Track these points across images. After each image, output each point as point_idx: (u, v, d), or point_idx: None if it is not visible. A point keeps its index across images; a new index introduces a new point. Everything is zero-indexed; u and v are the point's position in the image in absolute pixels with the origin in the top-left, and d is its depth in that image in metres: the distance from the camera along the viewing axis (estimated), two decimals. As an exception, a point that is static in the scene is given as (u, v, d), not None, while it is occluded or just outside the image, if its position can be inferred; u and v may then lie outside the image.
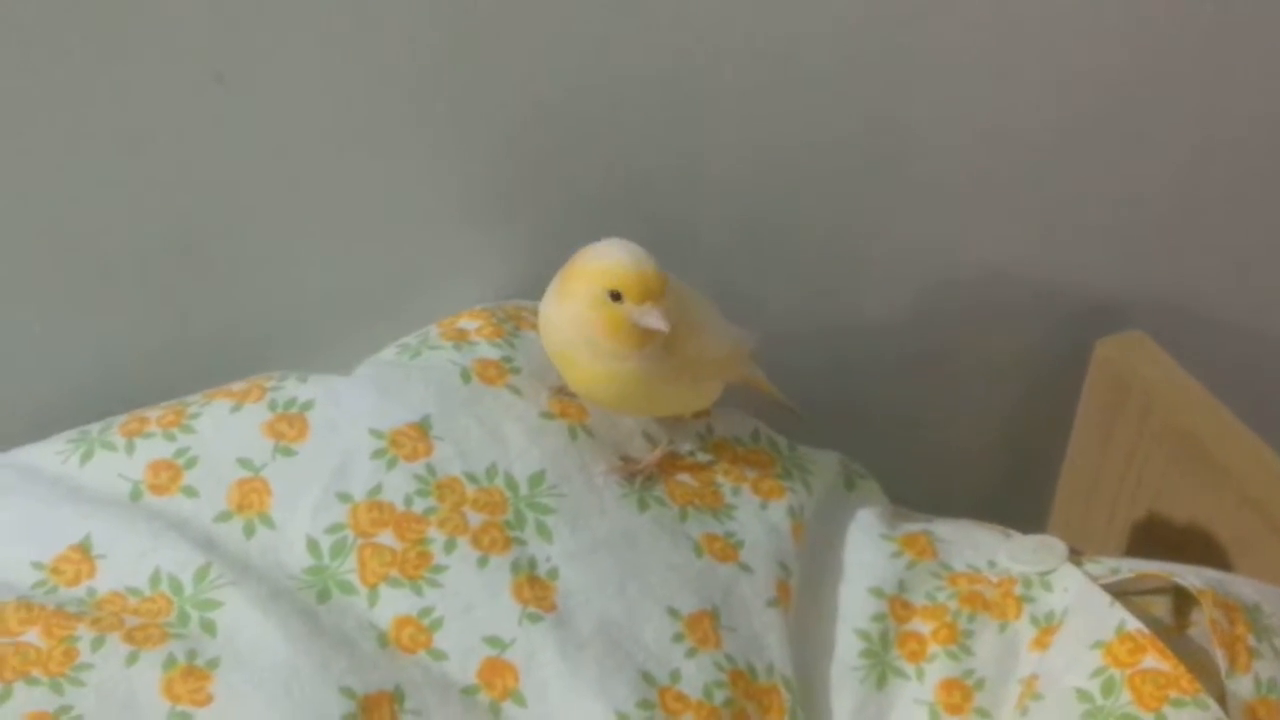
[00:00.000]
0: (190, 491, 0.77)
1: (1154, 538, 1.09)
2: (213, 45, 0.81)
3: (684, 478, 0.84)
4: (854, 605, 0.84)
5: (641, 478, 0.83)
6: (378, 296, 0.92)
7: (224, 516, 0.77)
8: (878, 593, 0.84)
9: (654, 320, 0.74)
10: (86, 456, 0.79)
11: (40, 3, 0.76)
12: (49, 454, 0.79)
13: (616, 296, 0.74)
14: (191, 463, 0.78)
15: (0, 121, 0.79)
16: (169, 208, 0.85)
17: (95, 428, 0.81)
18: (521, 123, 0.90)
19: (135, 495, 0.77)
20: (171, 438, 0.79)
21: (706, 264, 0.92)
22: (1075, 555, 0.86)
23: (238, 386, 0.83)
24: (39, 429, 0.83)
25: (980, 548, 0.88)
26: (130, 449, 0.79)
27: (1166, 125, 1.07)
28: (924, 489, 1.07)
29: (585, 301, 0.75)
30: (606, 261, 0.75)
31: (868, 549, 0.86)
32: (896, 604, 0.84)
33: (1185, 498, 1.05)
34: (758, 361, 0.89)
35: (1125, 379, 1.10)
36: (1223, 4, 1.02)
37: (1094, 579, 0.83)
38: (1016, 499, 1.22)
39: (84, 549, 0.75)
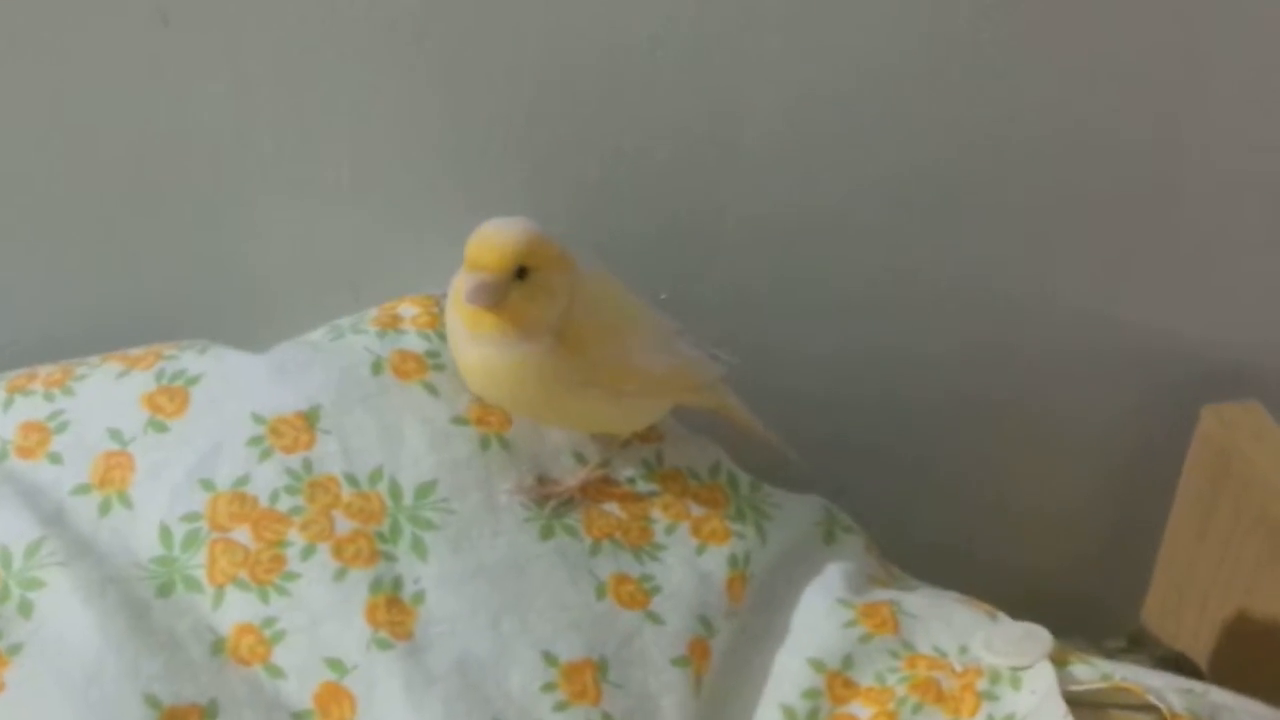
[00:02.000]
0: (55, 458, 0.72)
1: (1242, 636, 0.96)
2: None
3: (611, 507, 0.75)
4: (786, 676, 0.73)
5: (554, 503, 0.73)
6: (341, 267, 0.86)
7: (82, 489, 0.71)
8: (818, 665, 0.73)
9: (468, 288, 0.66)
10: (-33, 410, 0.74)
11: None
12: None
13: (465, 263, 0.68)
14: (63, 427, 0.73)
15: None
16: (115, 157, 0.81)
17: (-13, 380, 0.76)
18: (506, 96, 0.82)
19: (1, 455, 0.72)
20: (50, 398, 0.74)
21: (733, 265, 0.84)
22: (1062, 652, 0.73)
23: (136, 351, 0.77)
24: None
25: (954, 628, 0.76)
26: (7, 405, 0.74)
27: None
28: (989, 555, 0.97)
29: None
30: (480, 226, 0.68)
31: (819, 613, 0.75)
32: (836, 681, 0.72)
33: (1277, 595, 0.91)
34: (732, 391, 0.79)
35: (1225, 455, 0.96)
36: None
37: (1077, 683, 0.70)
38: (1104, 578, 1.09)
39: None
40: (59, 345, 0.81)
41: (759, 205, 0.87)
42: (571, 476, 0.75)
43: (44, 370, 0.76)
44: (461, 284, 0.68)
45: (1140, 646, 1.04)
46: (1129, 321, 0.98)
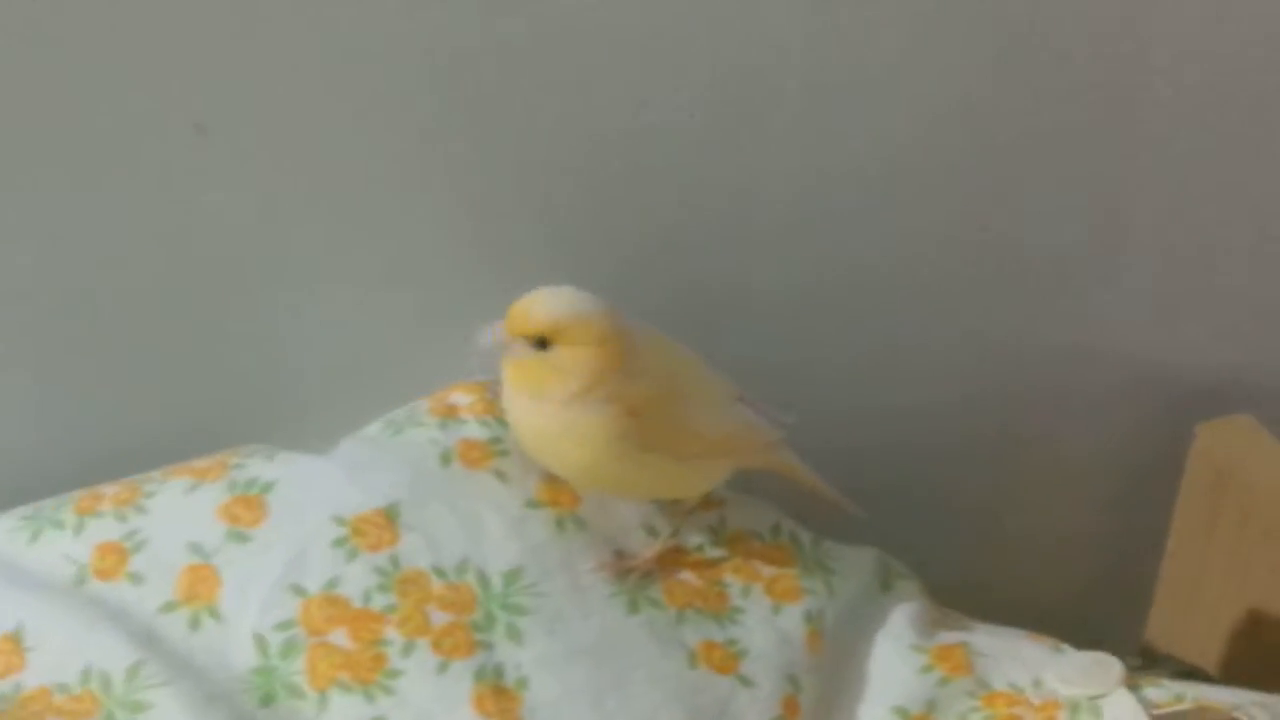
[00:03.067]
0: (135, 578, 0.72)
1: (1259, 651, 0.98)
2: (192, 93, 0.75)
3: (686, 576, 0.76)
4: None
5: (636, 575, 0.74)
6: (380, 361, 0.86)
7: (169, 607, 0.71)
8: (902, 713, 0.75)
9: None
10: (34, 536, 0.74)
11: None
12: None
13: None
14: (140, 546, 0.72)
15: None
16: (150, 263, 0.80)
17: (50, 504, 0.76)
18: (542, 180, 0.83)
19: (79, 580, 0.72)
20: (123, 518, 0.74)
21: (753, 331, 0.86)
22: (1133, 678, 0.76)
23: (201, 463, 0.77)
24: (3, 503, 0.78)
25: (1026, 663, 0.78)
26: (79, 528, 0.73)
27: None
28: (1004, 587, 0.99)
29: None
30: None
31: (895, 661, 0.77)
32: None
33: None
34: (793, 451, 0.81)
35: (1227, 470, 0.99)
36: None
37: (1153, 706, 0.73)
38: (1115, 594, 1.12)
39: (15, 639, 0.69)
40: (101, 464, 0.80)
41: (776, 278, 0.90)
42: (647, 549, 0.76)
43: (109, 490, 0.76)
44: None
45: (1155, 662, 1.07)
46: (1118, 352, 1.01)
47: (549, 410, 0.71)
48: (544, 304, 0.70)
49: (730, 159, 0.86)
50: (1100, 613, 1.11)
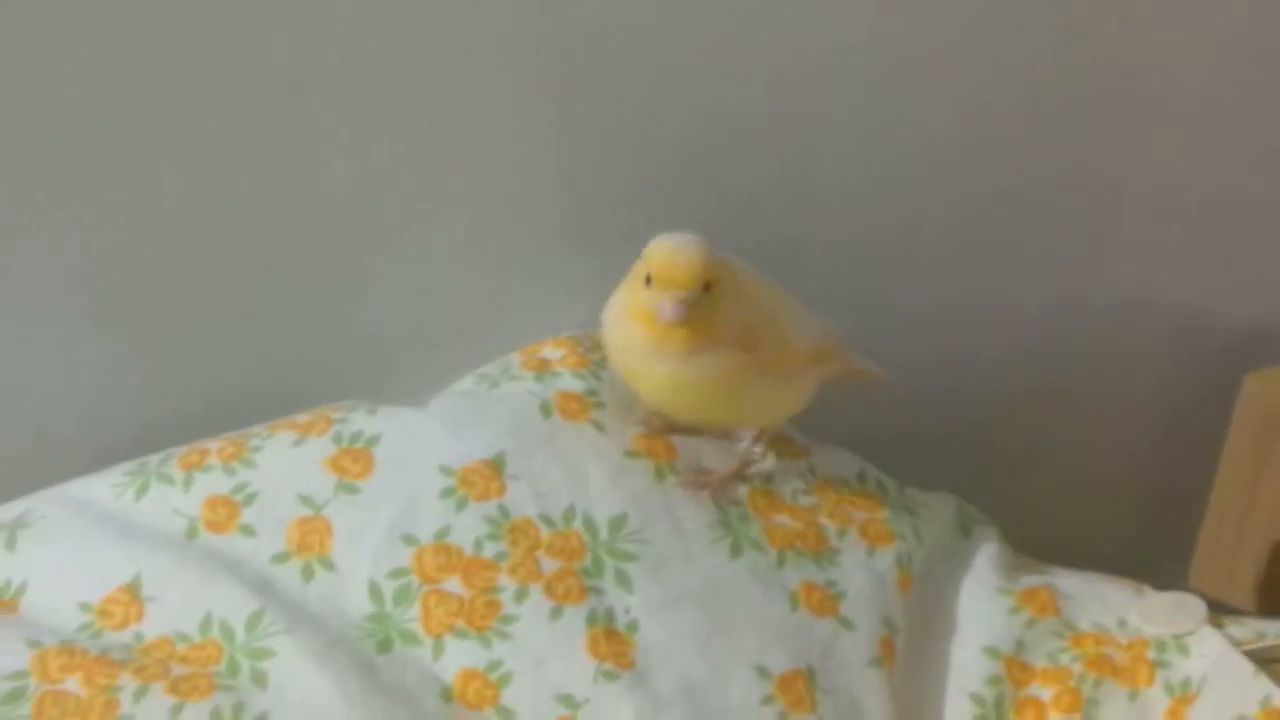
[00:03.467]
0: (248, 530, 0.73)
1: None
2: (285, 53, 0.76)
3: (784, 519, 0.78)
4: (966, 666, 0.76)
5: (721, 490, 0.77)
6: (460, 322, 0.87)
7: (282, 557, 0.72)
8: (993, 653, 0.76)
9: (665, 309, 0.70)
10: (142, 490, 0.75)
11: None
12: (104, 487, 0.75)
13: (649, 281, 0.71)
14: (250, 499, 0.73)
15: (76, 147, 0.76)
16: (241, 226, 0.82)
17: (154, 459, 0.77)
18: (619, 144, 0.85)
19: (191, 533, 0.73)
20: (231, 472, 0.75)
21: (814, 287, 0.85)
22: (1215, 616, 0.78)
23: (303, 418, 0.78)
24: (103, 463, 0.79)
25: (1109, 605, 0.80)
26: (188, 483, 0.74)
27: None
28: (1050, 533, 1.00)
29: (633, 286, 0.72)
30: (652, 245, 0.72)
31: (983, 603, 0.79)
32: (1014, 666, 0.76)
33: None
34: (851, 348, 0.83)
35: (1274, 418, 1.01)
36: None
37: (1237, 644, 0.74)
38: (1153, 548, 1.13)
39: (133, 590, 0.71)
40: (190, 422, 0.81)
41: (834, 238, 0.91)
42: (728, 465, 0.78)
43: (214, 445, 0.77)
44: (645, 303, 0.71)
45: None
46: (1167, 303, 1.03)
47: (684, 361, 0.72)
48: (695, 251, 0.71)
49: (794, 134, 0.88)
50: (1143, 559, 1.12)
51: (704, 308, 0.71)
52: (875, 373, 0.83)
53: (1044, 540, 0.90)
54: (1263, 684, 0.70)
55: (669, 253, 0.71)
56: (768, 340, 0.74)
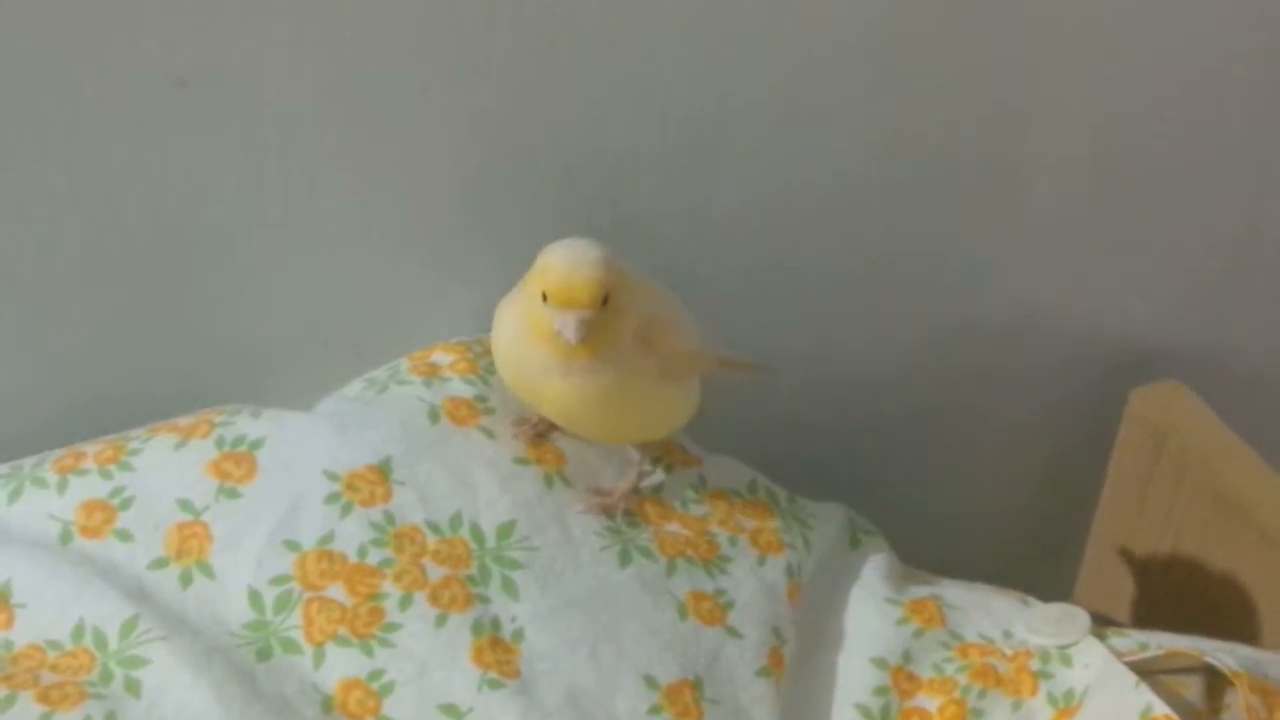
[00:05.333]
0: (124, 535, 0.71)
1: (1192, 608, 1.01)
2: (171, 47, 0.75)
3: (674, 528, 0.77)
4: (854, 677, 0.76)
5: (619, 507, 0.76)
6: (347, 325, 0.86)
7: (159, 563, 0.70)
8: (880, 663, 0.76)
9: (565, 329, 0.68)
10: (15, 494, 0.73)
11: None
12: None
13: (545, 299, 0.69)
14: (127, 504, 0.72)
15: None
16: (120, 222, 0.79)
17: (29, 462, 0.75)
18: (517, 135, 0.83)
19: (64, 538, 0.71)
20: (108, 475, 0.73)
21: (707, 307, 0.85)
22: (1099, 628, 0.79)
23: (185, 421, 0.76)
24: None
25: (995, 616, 0.80)
26: (63, 487, 0.72)
27: (1217, 160, 0.99)
28: (941, 552, 1.01)
29: (527, 300, 0.70)
30: (547, 259, 0.69)
31: (871, 614, 0.79)
32: (900, 676, 0.76)
33: (1225, 564, 0.98)
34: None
35: (1160, 433, 1.03)
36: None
37: (1119, 655, 0.75)
38: (1042, 563, 1.15)
39: (3, 597, 0.69)
40: (66, 425, 0.80)
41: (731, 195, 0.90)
42: (623, 480, 0.77)
43: (91, 448, 0.75)
44: (542, 321, 0.69)
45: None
46: (1051, 327, 1.04)
47: (587, 375, 0.71)
48: (593, 267, 0.69)
49: (690, 160, 0.87)
50: (1029, 577, 1.13)
51: (603, 319, 0.69)
52: (746, 363, 0.82)
53: (930, 560, 0.90)
54: (1144, 694, 0.71)
55: (567, 271, 0.68)
56: (663, 343, 0.73)
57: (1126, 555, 1.08)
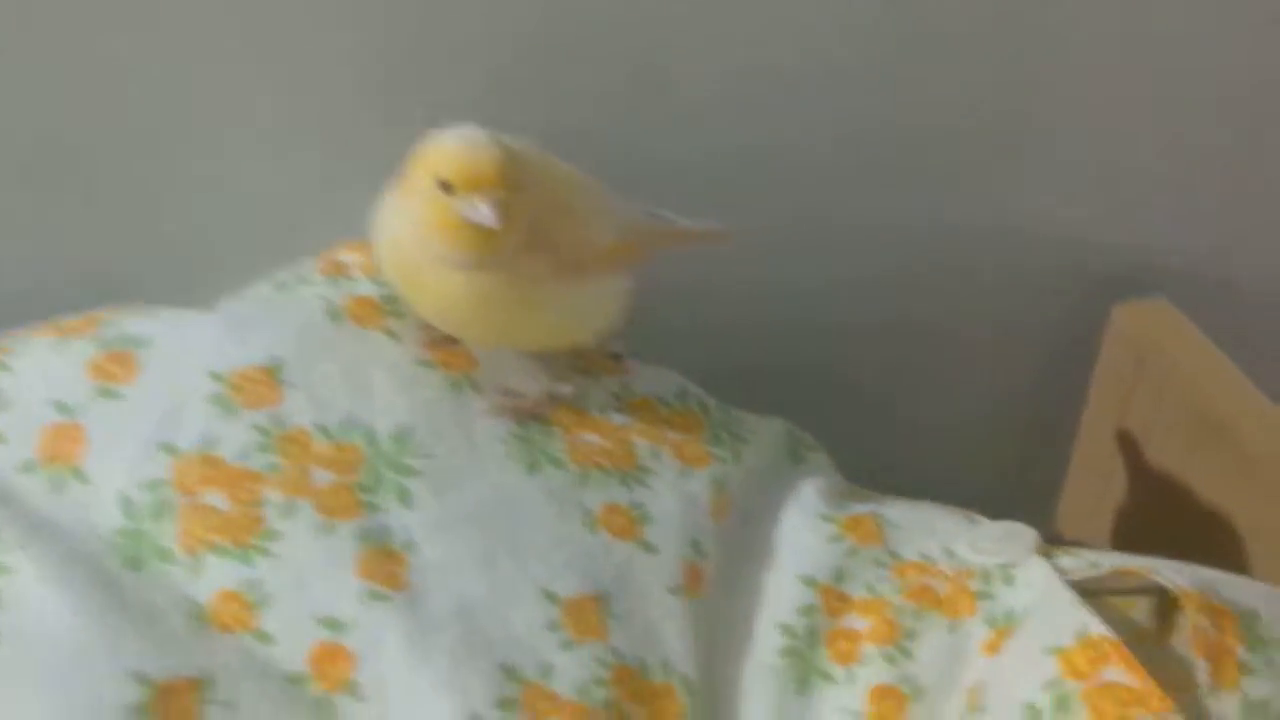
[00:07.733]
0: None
1: (1170, 529, 0.96)
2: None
3: (591, 437, 0.73)
4: (779, 595, 0.72)
5: (527, 413, 0.71)
6: (265, 223, 0.82)
7: (28, 467, 0.66)
8: (809, 581, 0.72)
9: (478, 213, 0.62)
10: (-113, 392, 0.69)
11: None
12: None
13: (447, 187, 0.63)
14: (3, 405, 0.68)
15: None
16: (42, 109, 0.76)
17: (-94, 362, 0.71)
18: (451, 33, 0.80)
19: None
20: None
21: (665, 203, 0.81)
22: (1050, 546, 0.74)
23: (71, 320, 0.72)
24: None
25: (937, 534, 0.75)
26: None
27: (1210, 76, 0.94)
28: (914, 469, 0.97)
29: (419, 195, 0.64)
30: (438, 145, 0.64)
31: (804, 530, 0.74)
32: (830, 595, 0.71)
33: (1205, 484, 0.93)
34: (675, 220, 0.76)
35: (1142, 350, 0.98)
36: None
37: (1068, 573, 0.70)
38: (1024, 481, 1.10)
39: None
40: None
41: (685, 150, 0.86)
42: (538, 388, 0.72)
43: (-28, 349, 0.71)
44: (447, 211, 0.64)
45: (1061, 544, 1.05)
46: (1032, 235, 0.99)
47: (474, 271, 0.66)
48: (491, 140, 0.63)
49: (647, 33, 0.82)
50: (1009, 501, 1.09)
51: (519, 201, 0.64)
52: (705, 231, 0.76)
53: (902, 479, 0.85)
54: (1081, 614, 0.66)
55: (467, 152, 0.63)
56: (564, 237, 0.67)
57: (1109, 476, 1.03)
